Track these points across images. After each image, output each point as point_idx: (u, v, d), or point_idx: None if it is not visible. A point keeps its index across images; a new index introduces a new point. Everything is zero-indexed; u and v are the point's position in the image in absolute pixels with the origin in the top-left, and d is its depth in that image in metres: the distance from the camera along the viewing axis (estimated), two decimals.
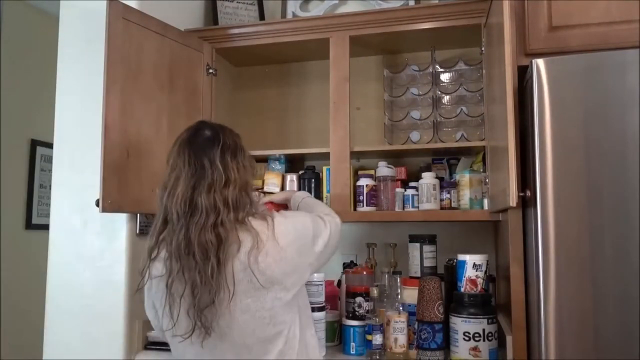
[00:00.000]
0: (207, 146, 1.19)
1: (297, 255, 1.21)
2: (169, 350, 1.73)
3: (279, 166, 2.10)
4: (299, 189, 2.02)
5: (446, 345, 1.64)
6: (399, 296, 1.77)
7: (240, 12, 2.31)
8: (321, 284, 1.70)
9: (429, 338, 1.63)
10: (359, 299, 1.76)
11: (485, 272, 1.63)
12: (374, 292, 1.73)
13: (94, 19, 1.80)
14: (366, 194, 1.92)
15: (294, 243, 1.21)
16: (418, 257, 1.84)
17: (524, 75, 1.44)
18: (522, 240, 1.44)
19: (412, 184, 1.95)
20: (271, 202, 1.64)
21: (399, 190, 1.94)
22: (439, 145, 1.95)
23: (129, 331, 1.76)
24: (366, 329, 1.69)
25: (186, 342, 1.16)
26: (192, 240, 1.11)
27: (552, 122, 1.29)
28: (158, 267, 1.20)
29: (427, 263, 1.85)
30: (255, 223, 1.18)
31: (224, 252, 1.12)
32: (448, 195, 1.86)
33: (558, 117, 1.29)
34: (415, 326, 1.69)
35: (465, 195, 1.84)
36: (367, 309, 1.74)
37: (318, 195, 1.99)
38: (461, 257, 1.64)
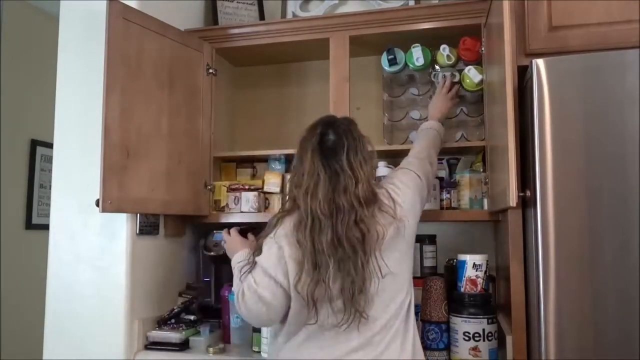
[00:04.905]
0: (335, 152, 1.35)
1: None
2: (169, 350, 1.76)
3: (279, 166, 2.10)
4: None
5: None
6: None
7: (240, 12, 2.31)
8: None
9: (437, 338, 1.63)
10: None
11: (485, 272, 1.63)
12: None
13: (94, 19, 1.80)
14: None
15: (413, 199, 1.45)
16: (418, 257, 1.84)
17: (524, 75, 1.44)
18: (522, 240, 1.44)
19: None
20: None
21: None
22: None
23: (129, 331, 1.76)
24: None
25: (335, 330, 1.29)
26: (341, 236, 1.26)
27: (552, 122, 1.29)
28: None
29: (427, 263, 1.85)
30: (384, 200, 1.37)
31: (369, 243, 1.28)
32: (448, 195, 1.86)
33: (558, 117, 1.29)
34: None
35: (465, 195, 1.84)
36: None
37: None
38: (461, 257, 1.64)
